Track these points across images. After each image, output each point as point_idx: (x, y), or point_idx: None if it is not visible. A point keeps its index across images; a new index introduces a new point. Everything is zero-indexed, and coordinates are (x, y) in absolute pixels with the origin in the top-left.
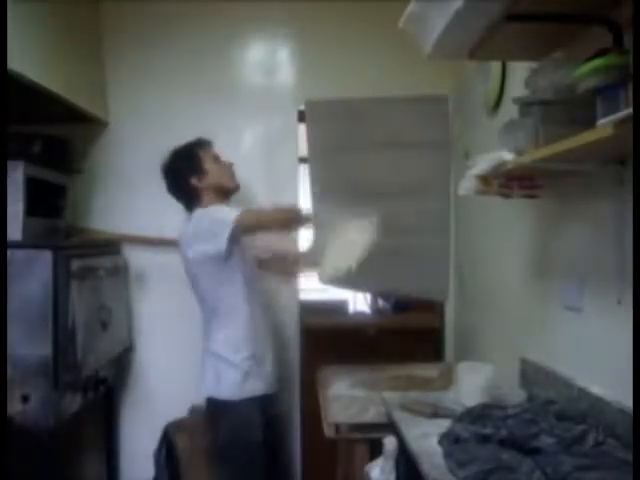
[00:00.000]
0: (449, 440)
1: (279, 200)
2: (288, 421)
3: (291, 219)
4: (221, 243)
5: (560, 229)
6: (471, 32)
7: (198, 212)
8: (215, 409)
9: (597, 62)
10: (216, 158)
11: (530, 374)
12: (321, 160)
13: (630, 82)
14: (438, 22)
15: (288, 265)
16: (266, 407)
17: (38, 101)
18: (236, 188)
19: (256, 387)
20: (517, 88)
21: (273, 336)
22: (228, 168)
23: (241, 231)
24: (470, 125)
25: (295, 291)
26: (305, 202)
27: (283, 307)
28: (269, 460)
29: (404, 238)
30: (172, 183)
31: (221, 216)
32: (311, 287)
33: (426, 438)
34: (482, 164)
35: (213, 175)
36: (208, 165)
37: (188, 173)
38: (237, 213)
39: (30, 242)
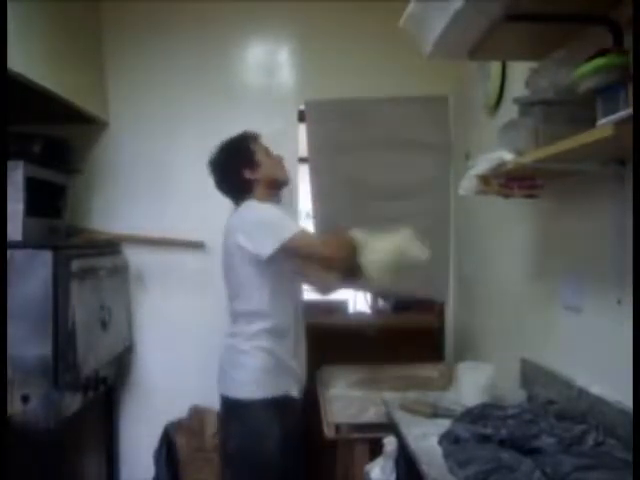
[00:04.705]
0: (449, 440)
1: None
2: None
3: (341, 260)
4: (264, 250)
5: (560, 229)
6: (471, 32)
7: (250, 204)
8: (229, 409)
9: (597, 62)
10: (267, 151)
11: (530, 374)
12: (321, 160)
13: (630, 82)
14: (438, 22)
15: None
16: (289, 412)
17: (38, 101)
18: (287, 181)
19: (277, 387)
20: (517, 88)
21: (304, 336)
22: (280, 161)
23: (288, 250)
24: (470, 125)
25: None
26: (305, 202)
27: None
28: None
29: None
30: (223, 178)
31: (276, 227)
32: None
33: (426, 438)
34: (482, 164)
35: (266, 167)
36: (261, 157)
37: (241, 166)
38: (294, 232)
39: (30, 242)
